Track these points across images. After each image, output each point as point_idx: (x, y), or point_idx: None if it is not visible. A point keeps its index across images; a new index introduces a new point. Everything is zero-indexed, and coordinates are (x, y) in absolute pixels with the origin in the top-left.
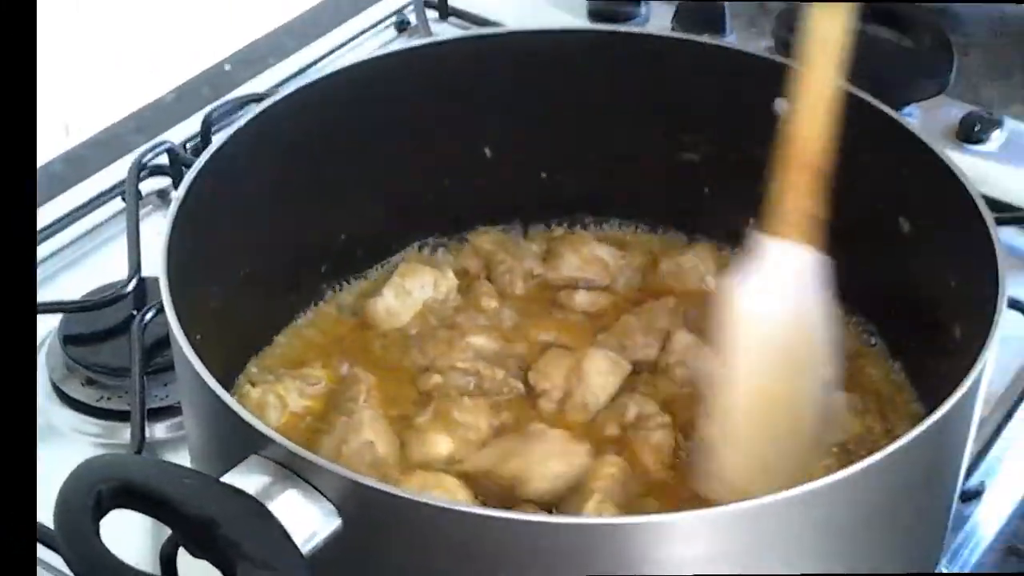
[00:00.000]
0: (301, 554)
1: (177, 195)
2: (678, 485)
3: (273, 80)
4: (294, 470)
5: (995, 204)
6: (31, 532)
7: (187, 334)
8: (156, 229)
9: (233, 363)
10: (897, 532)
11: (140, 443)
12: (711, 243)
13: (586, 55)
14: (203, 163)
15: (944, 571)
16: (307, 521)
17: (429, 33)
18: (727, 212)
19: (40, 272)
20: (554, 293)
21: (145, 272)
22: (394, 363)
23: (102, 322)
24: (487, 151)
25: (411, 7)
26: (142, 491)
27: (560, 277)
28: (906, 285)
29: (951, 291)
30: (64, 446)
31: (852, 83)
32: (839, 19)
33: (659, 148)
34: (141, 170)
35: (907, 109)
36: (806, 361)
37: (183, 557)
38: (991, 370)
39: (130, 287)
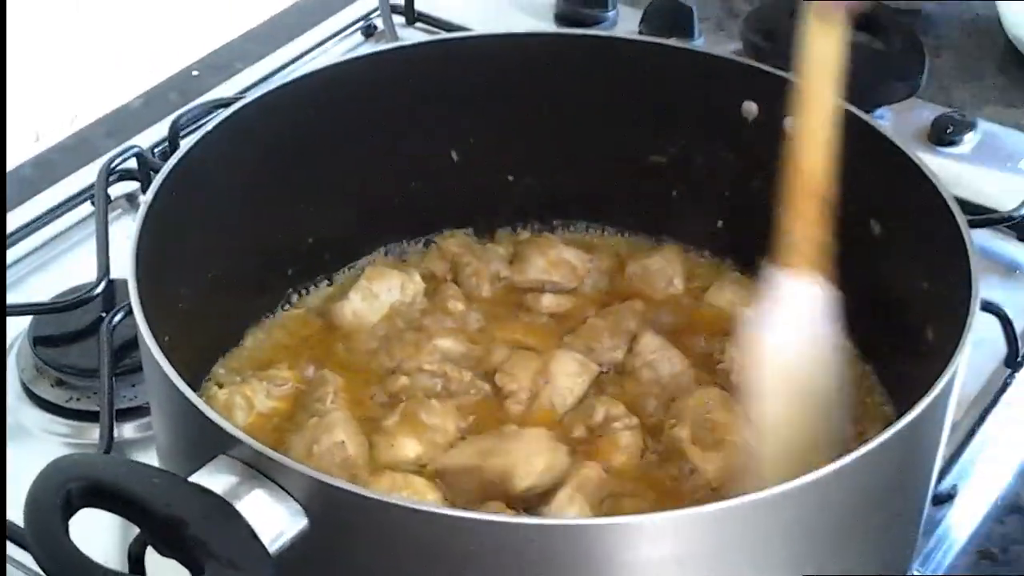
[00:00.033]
0: (268, 553)
1: (146, 199)
2: (646, 487)
3: (241, 85)
4: (261, 470)
5: (968, 206)
6: (1, 530)
7: (155, 336)
8: (125, 232)
9: (201, 364)
10: (868, 535)
11: (109, 443)
12: (678, 246)
13: (553, 59)
14: (171, 167)
15: (916, 575)
16: (274, 521)
17: (396, 38)
18: (695, 215)
19: (10, 275)
20: (521, 296)
21: (114, 275)
22: (361, 365)
23: (72, 324)
24: (454, 155)
25: (378, 12)
26: (111, 490)
27: (527, 280)
28: (878, 288)
29: (923, 294)
30: (34, 446)
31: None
32: (834, 38)
33: (627, 151)
34: (110, 174)
35: (879, 112)
36: (821, 385)
37: (151, 556)
38: (963, 373)
39: (99, 289)
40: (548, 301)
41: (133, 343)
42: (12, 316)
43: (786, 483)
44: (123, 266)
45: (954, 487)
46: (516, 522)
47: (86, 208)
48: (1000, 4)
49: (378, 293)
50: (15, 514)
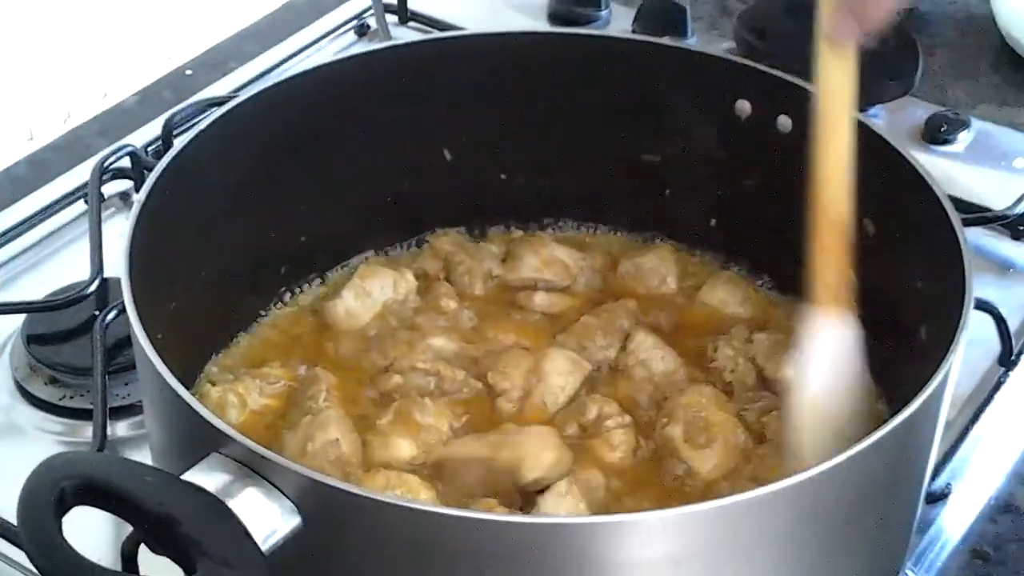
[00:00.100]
0: (261, 551)
1: (139, 198)
2: (639, 485)
3: (234, 84)
4: (254, 468)
5: (962, 205)
6: None
7: (148, 334)
8: (118, 231)
9: (194, 363)
10: (862, 534)
11: (102, 441)
12: (671, 244)
13: (546, 58)
14: (164, 166)
15: (910, 573)
16: (267, 519)
17: (389, 37)
18: (688, 213)
19: (4, 273)
20: (513, 294)
21: (107, 273)
22: (353, 363)
23: (65, 322)
24: (447, 153)
25: (371, 11)
26: (104, 488)
27: (519, 278)
28: (872, 287)
29: (917, 292)
30: (27, 444)
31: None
32: (847, 67)
33: (620, 149)
34: (103, 173)
35: (872, 110)
36: (849, 421)
37: (144, 554)
38: (957, 371)
39: (92, 288)
40: (541, 299)
41: (126, 341)
42: (5, 314)
43: (780, 482)
44: (116, 264)
45: (948, 486)
46: (509, 521)
47: (79, 207)
48: (994, 2)
49: (371, 291)
50: (8, 512)
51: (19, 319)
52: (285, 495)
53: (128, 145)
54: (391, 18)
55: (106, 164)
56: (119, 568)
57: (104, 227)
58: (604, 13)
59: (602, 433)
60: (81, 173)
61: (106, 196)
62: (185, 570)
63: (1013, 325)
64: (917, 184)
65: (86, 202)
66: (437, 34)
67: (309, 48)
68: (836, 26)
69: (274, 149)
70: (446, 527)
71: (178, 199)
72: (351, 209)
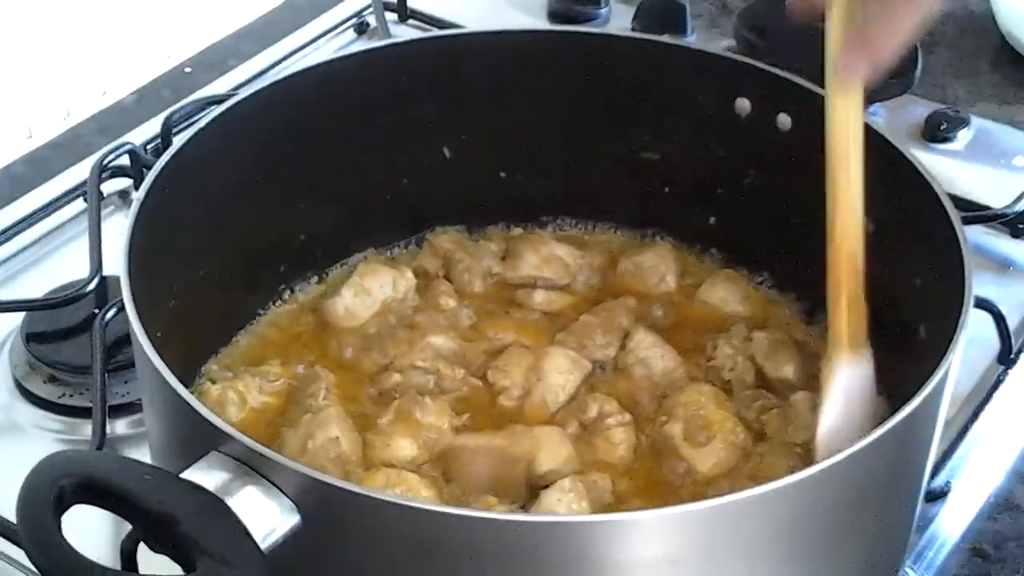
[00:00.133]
0: (260, 550)
1: (138, 196)
2: (639, 483)
3: (233, 82)
4: (253, 467)
5: (961, 203)
6: None
7: (148, 332)
8: (117, 229)
9: (193, 360)
10: (861, 532)
11: (101, 439)
12: (671, 242)
13: (546, 56)
14: (164, 164)
15: (909, 571)
16: (266, 517)
17: (388, 35)
18: (687, 211)
19: (3, 271)
20: (513, 292)
21: (106, 271)
22: (353, 362)
23: (64, 320)
24: (446, 151)
25: (370, 9)
26: (103, 487)
27: (519, 276)
28: (871, 285)
29: (917, 291)
30: (26, 442)
31: (815, 83)
32: (855, 102)
33: (619, 147)
34: (103, 171)
35: (872, 108)
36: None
37: (143, 552)
38: (957, 370)
39: (92, 286)
40: (540, 298)
41: (125, 339)
42: (5, 312)
43: (779, 480)
44: (116, 262)
45: (947, 484)
46: (509, 519)
47: (79, 205)
48: (994, 1)
49: (370, 289)
50: (7, 510)
51: (18, 317)
52: (284, 493)
53: (127, 143)
54: (390, 16)
55: (105, 162)
56: (118, 567)
57: (103, 225)
58: (604, 11)
59: (602, 431)
60: (80, 171)
61: (105, 194)
62: (184, 568)
63: (1013, 323)
64: (917, 182)
65: (85, 200)
66: (437, 32)
67: (308, 46)
68: (846, 62)
69: (273, 147)
70: (446, 526)
71: (177, 197)
72: (350, 207)
